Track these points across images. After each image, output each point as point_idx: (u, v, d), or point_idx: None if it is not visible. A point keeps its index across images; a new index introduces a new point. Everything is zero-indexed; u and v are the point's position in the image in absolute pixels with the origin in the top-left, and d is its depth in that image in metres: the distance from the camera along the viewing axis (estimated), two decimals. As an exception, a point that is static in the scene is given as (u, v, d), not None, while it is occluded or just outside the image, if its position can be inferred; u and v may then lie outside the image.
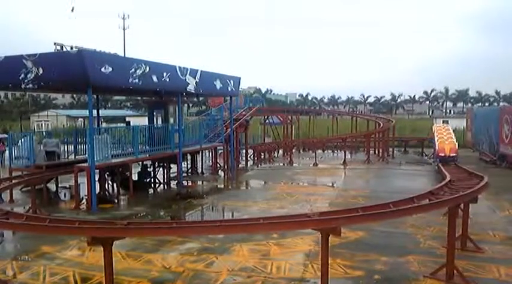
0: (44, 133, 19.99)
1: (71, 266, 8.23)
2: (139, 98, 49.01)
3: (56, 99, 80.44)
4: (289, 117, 36.29)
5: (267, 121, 36.39)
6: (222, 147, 23.19)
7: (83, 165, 14.19)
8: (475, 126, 30.33)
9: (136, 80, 14.10)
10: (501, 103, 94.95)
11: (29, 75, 12.88)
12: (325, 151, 33.75)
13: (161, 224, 8.20)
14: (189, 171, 21.16)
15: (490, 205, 13.31)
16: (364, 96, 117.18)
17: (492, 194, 13.59)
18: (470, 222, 9.46)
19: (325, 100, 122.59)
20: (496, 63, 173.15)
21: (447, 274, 7.27)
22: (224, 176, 21.58)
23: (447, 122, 39.00)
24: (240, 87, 23.48)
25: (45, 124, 56.41)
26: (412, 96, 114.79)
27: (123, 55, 34.11)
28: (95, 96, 18.79)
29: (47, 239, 9.57)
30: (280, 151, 32.13)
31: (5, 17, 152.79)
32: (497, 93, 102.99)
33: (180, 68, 16.57)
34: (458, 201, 7.93)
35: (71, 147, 17.25)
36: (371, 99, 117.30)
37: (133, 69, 13.94)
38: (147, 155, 16.84)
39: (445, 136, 22.38)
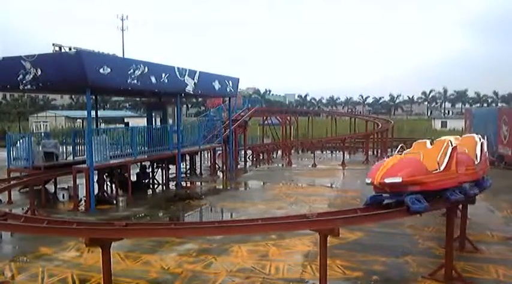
0: (42, 134, 19.95)
1: (69, 268, 8.21)
2: (138, 99, 49.01)
3: (54, 100, 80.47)
4: (288, 118, 36.28)
5: (266, 122, 36.40)
6: (220, 148, 23.19)
7: (81, 165, 14.19)
8: (474, 127, 30.30)
9: (135, 81, 14.10)
10: (499, 104, 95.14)
11: (27, 76, 12.88)
12: (324, 152, 33.76)
13: (160, 225, 8.19)
14: (188, 171, 21.15)
15: (489, 205, 13.32)
16: (362, 97, 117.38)
17: (490, 195, 13.59)
18: (469, 223, 9.48)
19: (324, 101, 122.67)
20: (494, 64, 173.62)
21: (446, 274, 7.28)
22: (223, 177, 21.57)
23: (445, 124, 38.76)
24: (239, 87, 23.48)
25: (43, 125, 56.39)
26: (411, 97, 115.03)
27: (121, 56, 34.12)
28: (93, 97, 18.79)
29: (45, 241, 9.56)
30: (279, 152, 32.12)
31: (3, 19, 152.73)
32: (496, 93, 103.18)
33: (178, 68, 16.57)
34: (456, 202, 7.93)
35: (70, 148, 17.23)
36: (370, 100, 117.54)
37: (131, 70, 13.94)
38: (146, 156, 16.83)
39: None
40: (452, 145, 6.93)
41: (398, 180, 6.22)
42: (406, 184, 6.31)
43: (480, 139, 8.28)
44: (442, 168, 6.68)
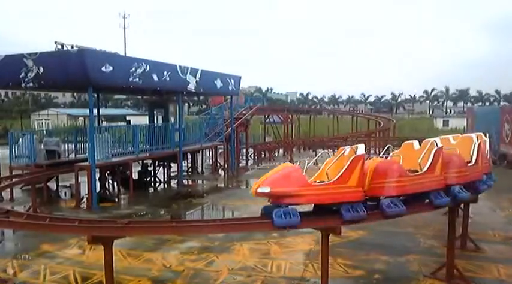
0: (44, 132, 19.99)
1: (71, 265, 8.24)
2: (139, 97, 49.03)
3: (56, 98, 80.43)
4: (290, 116, 36.29)
5: (268, 120, 36.42)
6: (222, 146, 23.20)
7: (83, 163, 14.20)
8: (476, 126, 30.30)
9: (137, 79, 14.11)
10: (501, 103, 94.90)
11: (29, 74, 12.89)
12: (326, 151, 33.71)
13: (161, 223, 8.20)
14: (190, 170, 21.17)
15: (491, 204, 13.32)
16: (364, 96, 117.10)
17: (492, 194, 13.56)
18: (471, 222, 9.46)
19: (326, 99, 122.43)
20: (496, 62, 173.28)
21: (447, 273, 7.28)
22: (224, 175, 21.58)
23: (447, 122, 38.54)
24: (241, 86, 23.48)
25: (45, 123, 56.35)
26: (413, 96, 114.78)
27: (123, 54, 34.15)
28: (95, 95, 18.79)
29: (47, 238, 9.58)
30: (281, 151, 32.13)
31: (6, 17, 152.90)
32: (498, 92, 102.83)
33: (180, 67, 16.58)
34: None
35: (72, 146, 17.25)
36: (371, 99, 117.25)
37: (133, 68, 13.95)
38: (148, 154, 16.85)
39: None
40: (356, 153, 5.91)
41: (266, 190, 5.63)
42: (276, 195, 5.71)
43: (436, 145, 6.63)
44: (334, 179, 5.85)
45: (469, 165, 7.15)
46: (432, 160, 6.44)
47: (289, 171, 5.88)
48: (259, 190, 5.65)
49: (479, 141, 7.50)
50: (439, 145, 6.61)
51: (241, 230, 6.58)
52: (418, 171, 6.51)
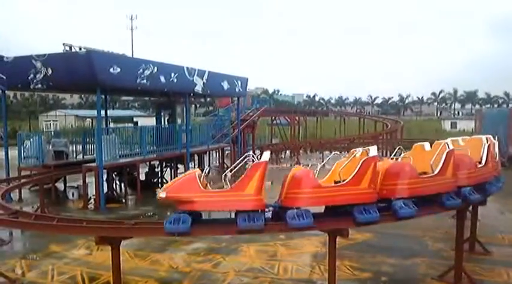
0: (52, 133, 20.12)
1: (79, 266, 8.28)
2: (147, 98, 49.23)
3: (64, 99, 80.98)
4: (297, 118, 36.24)
5: (274, 122, 36.38)
6: (229, 148, 23.20)
7: (91, 164, 14.28)
8: (484, 128, 30.05)
9: (144, 81, 14.16)
10: (510, 105, 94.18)
11: (38, 76, 13.00)
12: (333, 152, 33.61)
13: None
14: (196, 171, 21.17)
15: (499, 207, 13.20)
16: (371, 97, 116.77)
17: (501, 196, 13.42)
18: (479, 224, 9.39)
19: (333, 101, 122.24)
20: (505, 64, 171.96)
21: (455, 276, 7.23)
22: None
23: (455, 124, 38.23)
24: (248, 87, 23.49)
25: (53, 124, 56.73)
26: (420, 98, 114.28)
27: (131, 56, 34.31)
28: (103, 97, 18.90)
29: (55, 238, 9.64)
30: (288, 152, 32.07)
31: (14, 18, 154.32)
32: (506, 94, 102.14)
33: (187, 68, 16.62)
34: (467, 203, 7.85)
35: (79, 147, 17.35)
36: (378, 100, 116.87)
37: (141, 70, 14.00)
38: (155, 155, 16.90)
39: None
40: (256, 160, 5.80)
41: (163, 195, 5.54)
42: (172, 201, 5.67)
43: (367, 153, 6.04)
44: (231, 186, 5.76)
45: (427, 176, 6.42)
46: (358, 170, 5.83)
47: (186, 177, 5.82)
48: (160, 195, 5.60)
49: (451, 147, 6.58)
50: (373, 153, 5.95)
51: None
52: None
